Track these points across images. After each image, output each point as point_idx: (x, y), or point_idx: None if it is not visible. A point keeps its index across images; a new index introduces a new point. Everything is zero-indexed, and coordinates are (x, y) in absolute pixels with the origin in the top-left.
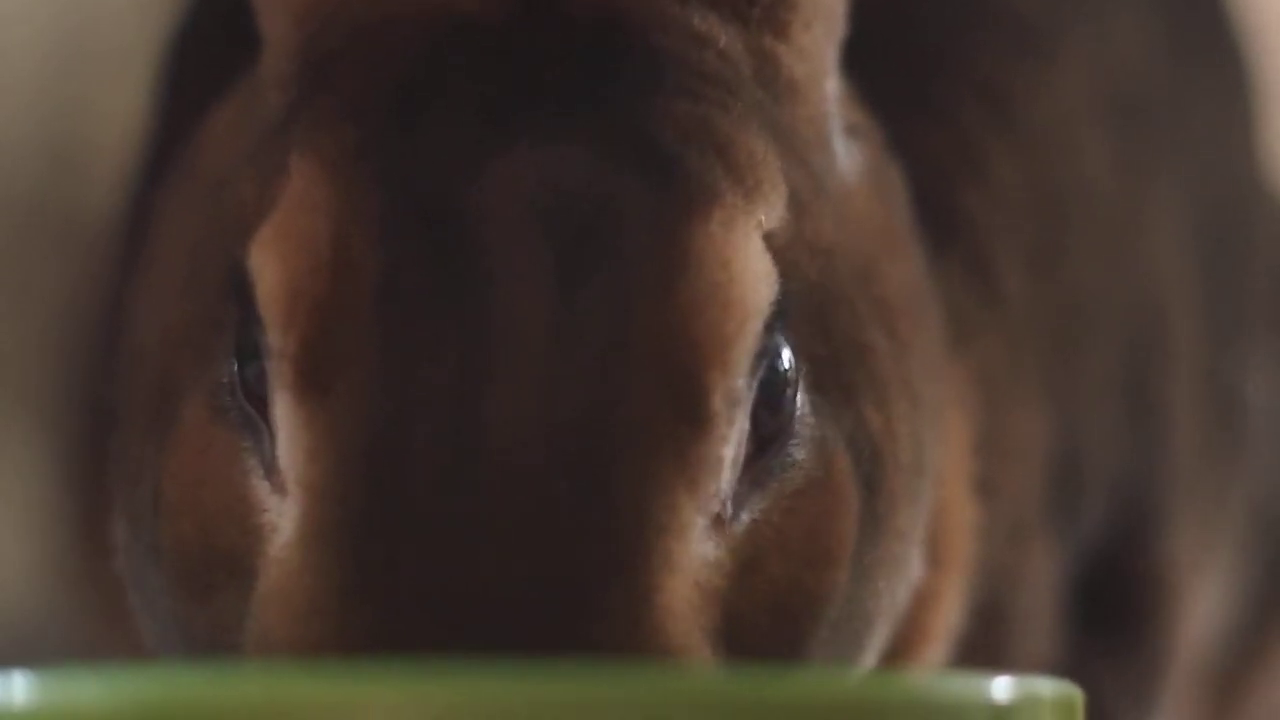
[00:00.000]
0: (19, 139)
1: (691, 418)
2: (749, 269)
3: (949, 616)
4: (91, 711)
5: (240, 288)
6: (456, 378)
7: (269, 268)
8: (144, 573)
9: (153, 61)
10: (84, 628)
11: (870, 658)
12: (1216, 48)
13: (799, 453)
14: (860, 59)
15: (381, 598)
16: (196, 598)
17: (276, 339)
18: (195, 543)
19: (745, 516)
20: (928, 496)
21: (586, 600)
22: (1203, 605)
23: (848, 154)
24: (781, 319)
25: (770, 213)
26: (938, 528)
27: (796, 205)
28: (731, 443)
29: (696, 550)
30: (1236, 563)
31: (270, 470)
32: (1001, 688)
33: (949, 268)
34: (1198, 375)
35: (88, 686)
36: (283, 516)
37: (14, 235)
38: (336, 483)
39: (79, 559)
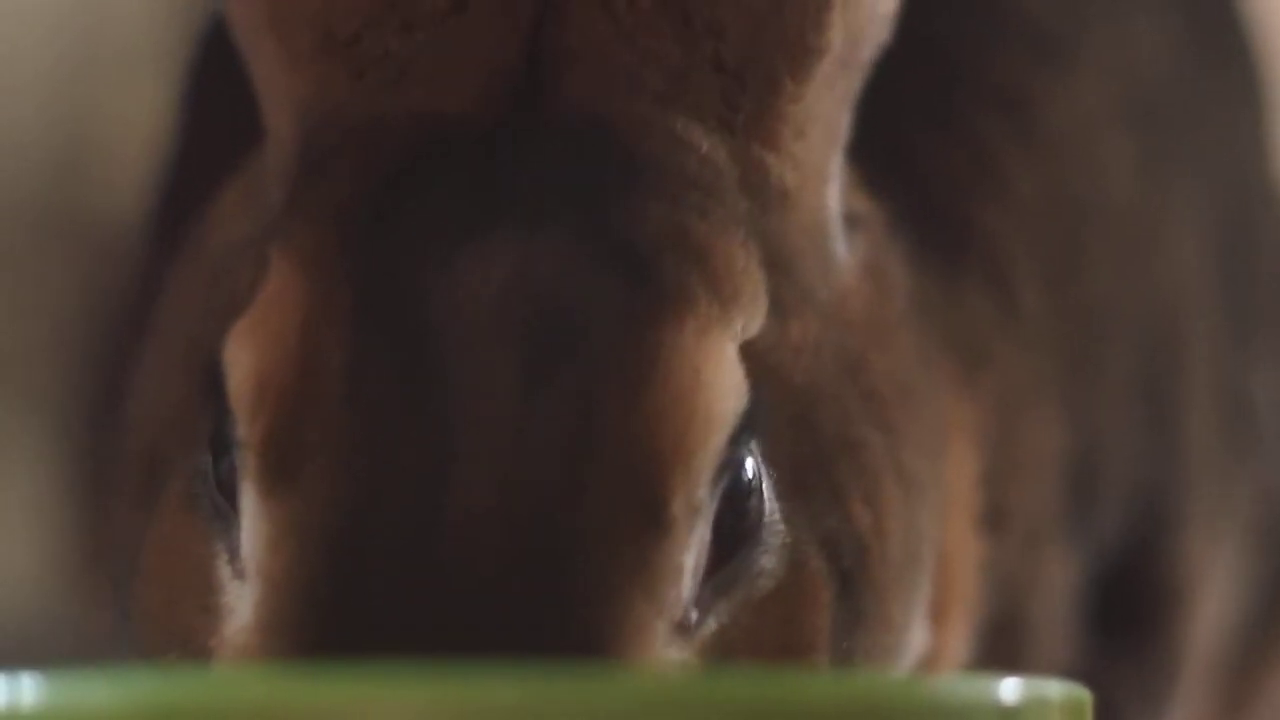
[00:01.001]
0: (28, 143)
1: (651, 524)
2: (718, 379)
3: (955, 663)
4: (99, 713)
5: (216, 380)
6: (417, 474)
7: (240, 360)
8: (118, 630)
9: (162, 65)
10: (91, 629)
11: None
12: (1230, 52)
13: (766, 560)
14: (877, 72)
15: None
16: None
17: (243, 430)
18: (160, 616)
19: (711, 623)
20: (927, 582)
21: None
22: (1213, 605)
23: (846, 248)
24: (748, 431)
25: (748, 322)
26: (941, 580)
27: (781, 311)
28: (692, 550)
29: (656, 654)
30: (1246, 563)
31: (234, 556)
32: (1009, 689)
33: (966, 285)
34: (1211, 378)
35: (95, 688)
36: (241, 601)
37: (23, 239)
38: (295, 574)
39: (85, 562)
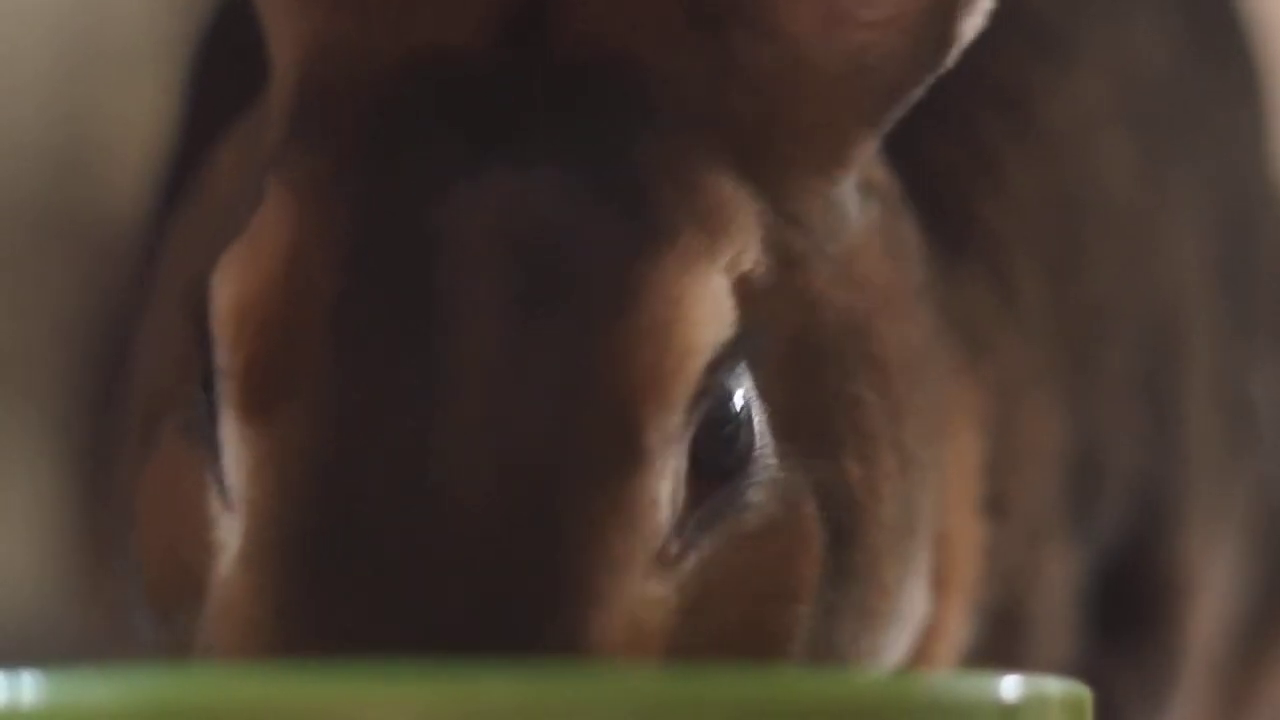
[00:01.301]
0: (28, 142)
1: (626, 455)
2: (699, 309)
3: (955, 641)
4: (100, 712)
5: (203, 307)
6: (404, 405)
7: (226, 286)
8: (132, 595)
9: (162, 64)
10: (92, 628)
11: None
12: (1230, 52)
13: (756, 495)
14: None
15: (317, 620)
16: (162, 616)
17: (225, 357)
18: (160, 559)
19: (694, 556)
20: (925, 555)
21: (519, 634)
22: (1213, 604)
23: (860, 211)
24: (733, 360)
25: (741, 255)
26: (942, 557)
27: (784, 256)
28: (668, 480)
29: (635, 588)
30: (1244, 562)
31: (222, 488)
32: (1009, 687)
33: (967, 276)
34: (1211, 377)
35: (96, 687)
36: (230, 534)
37: (23, 238)
38: (276, 503)
39: (87, 559)
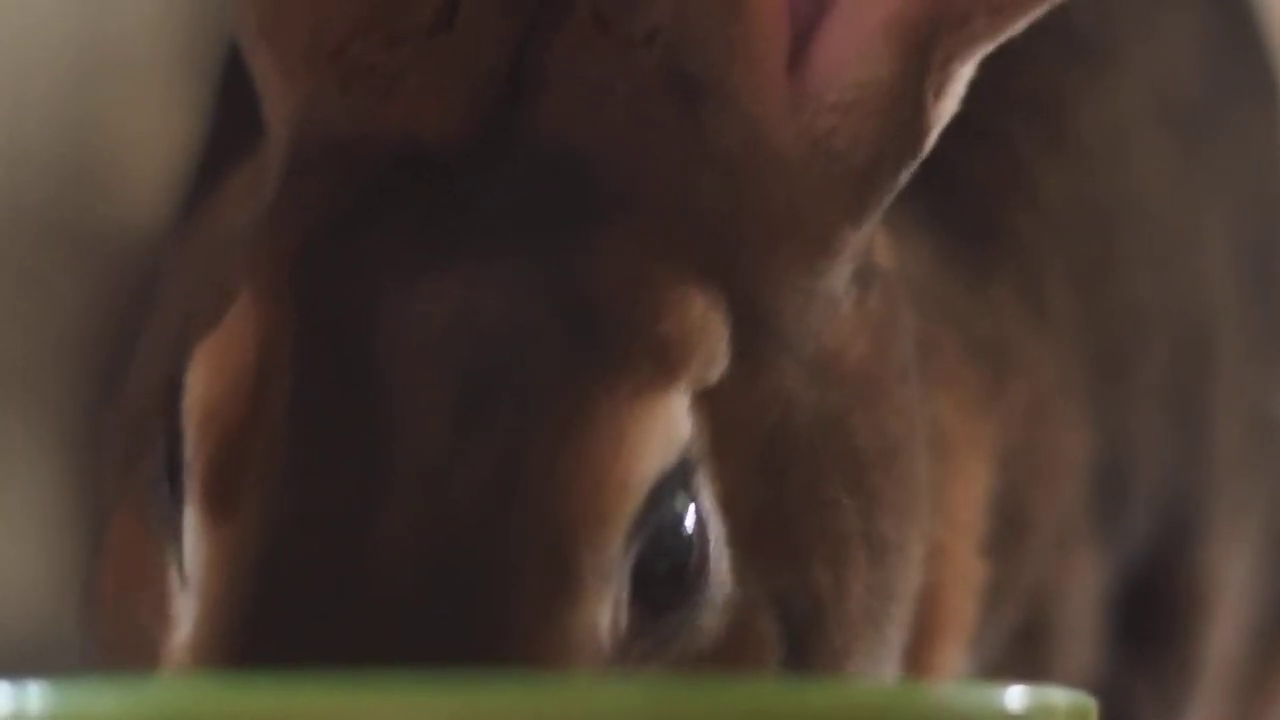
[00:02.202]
0: (37, 153)
1: (559, 582)
2: (644, 437)
3: (949, 678)
4: None
5: (173, 399)
6: (346, 507)
7: (195, 384)
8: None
9: (172, 77)
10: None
11: None
12: (1253, 57)
13: (706, 617)
14: None
15: None
16: (106, 662)
17: (190, 453)
18: (115, 609)
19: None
20: (895, 635)
21: None
22: (1232, 617)
23: (857, 309)
24: (687, 481)
25: (705, 370)
26: (929, 609)
27: (751, 361)
28: (606, 608)
29: None
30: (1263, 573)
31: (181, 570)
32: (1014, 697)
33: (996, 289)
34: (1236, 388)
35: (102, 697)
36: (185, 615)
37: (31, 249)
38: (228, 598)
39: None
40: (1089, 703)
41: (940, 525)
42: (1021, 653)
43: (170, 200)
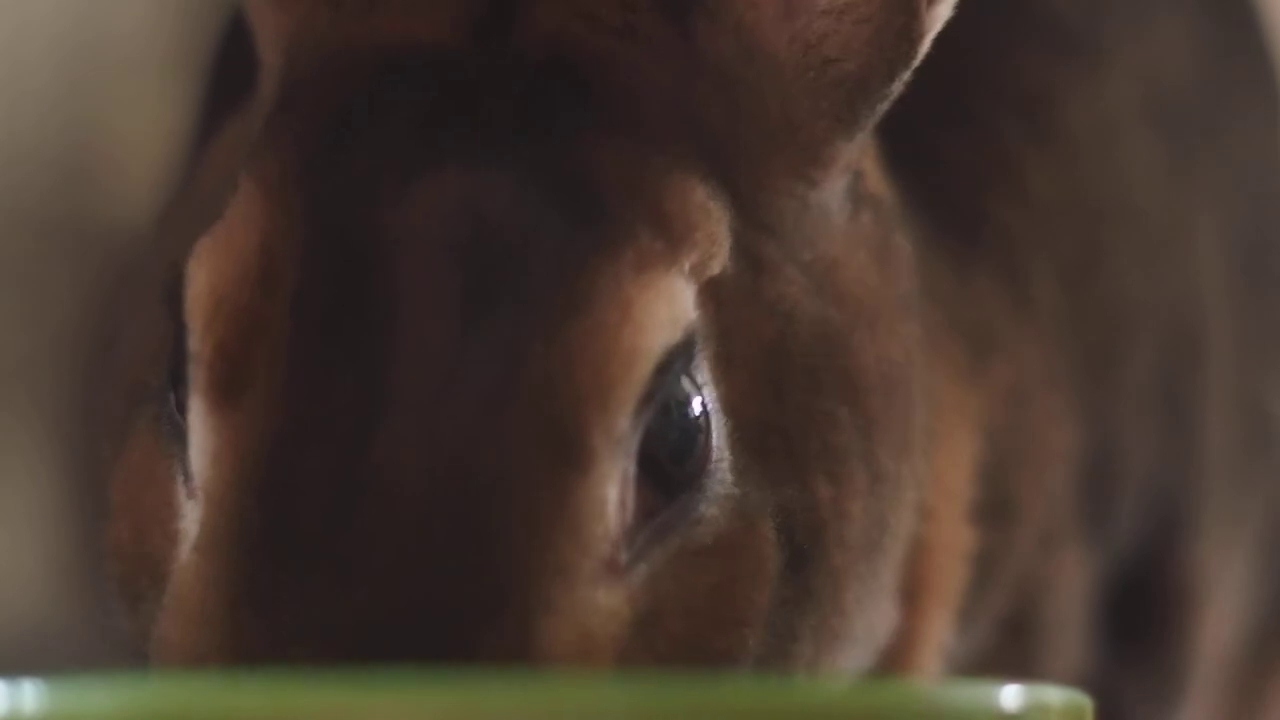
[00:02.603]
0: (32, 152)
1: (569, 457)
2: (649, 311)
3: (936, 647)
4: None
5: (176, 295)
6: (353, 399)
7: (199, 275)
8: (106, 585)
9: (166, 76)
10: (92, 637)
11: None
12: (1250, 56)
13: (710, 509)
14: None
15: (265, 612)
16: (128, 605)
17: (195, 343)
18: (128, 547)
19: (644, 567)
20: (891, 571)
21: (462, 638)
22: (1223, 614)
23: (847, 220)
24: (692, 364)
25: (707, 260)
26: (919, 566)
27: (756, 263)
28: (614, 484)
29: (581, 594)
30: (1253, 574)
31: (187, 476)
32: (1010, 696)
33: (978, 275)
34: (1229, 385)
35: (96, 696)
36: (193, 522)
37: (25, 248)
38: (233, 491)
39: (87, 567)
40: (1084, 701)
41: (929, 488)
42: (1010, 647)
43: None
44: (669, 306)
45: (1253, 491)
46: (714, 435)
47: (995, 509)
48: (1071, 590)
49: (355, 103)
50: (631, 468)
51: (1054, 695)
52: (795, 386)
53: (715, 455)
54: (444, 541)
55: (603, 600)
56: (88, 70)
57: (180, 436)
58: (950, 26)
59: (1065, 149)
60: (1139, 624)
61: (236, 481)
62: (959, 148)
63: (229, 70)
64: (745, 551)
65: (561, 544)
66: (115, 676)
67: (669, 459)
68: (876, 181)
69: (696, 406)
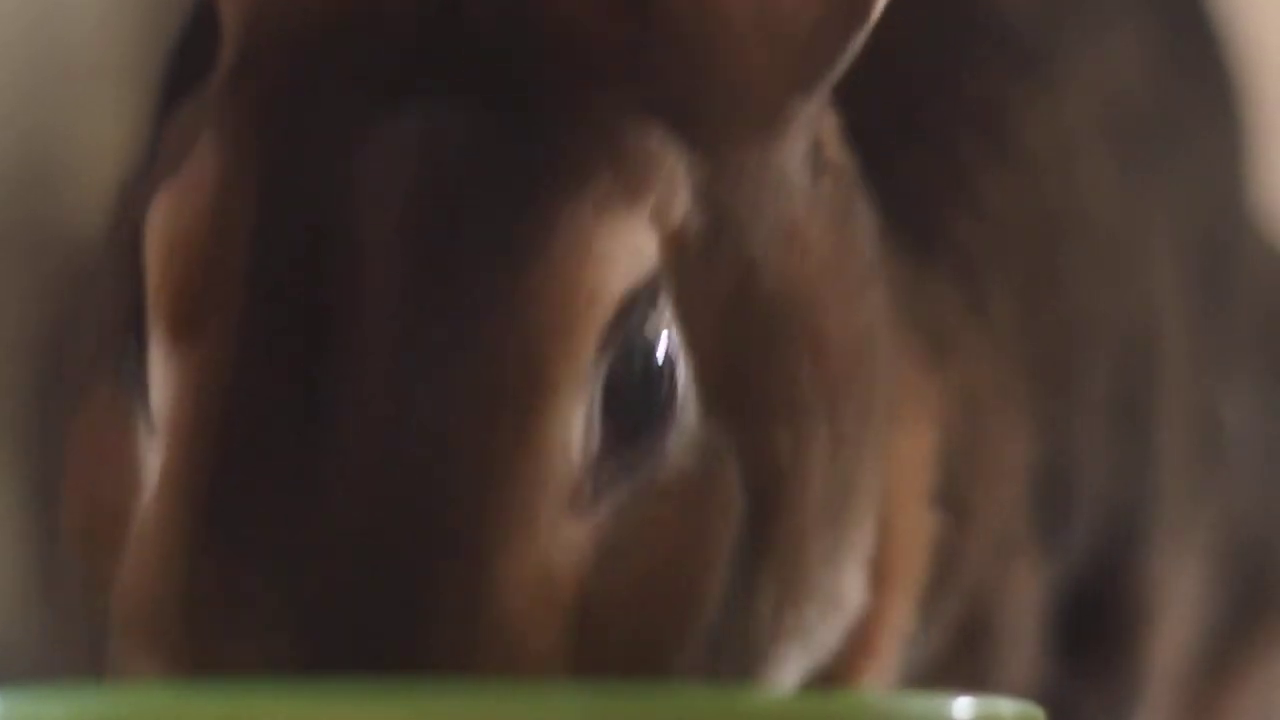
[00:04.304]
0: None
1: (532, 387)
2: (610, 249)
3: (897, 632)
4: None
5: (136, 248)
6: (311, 335)
7: (156, 222)
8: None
9: (124, 83)
10: (50, 648)
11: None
12: (1210, 74)
13: (674, 451)
14: (849, 84)
15: (223, 550)
16: (87, 562)
17: (154, 282)
18: (86, 501)
19: (607, 505)
20: (859, 542)
21: (424, 571)
22: (1176, 628)
23: (812, 189)
24: (655, 307)
25: (668, 205)
26: (884, 548)
27: (719, 212)
28: (578, 420)
29: (546, 526)
30: (1206, 589)
31: (149, 420)
32: (962, 708)
33: (934, 280)
34: (1183, 400)
35: (54, 707)
36: (153, 466)
37: None
38: (192, 424)
39: (46, 580)
40: (1037, 713)
41: (892, 470)
42: (962, 656)
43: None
44: (630, 246)
45: (1205, 502)
46: (678, 380)
47: (951, 504)
48: (1024, 600)
49: (312, 56)
50: (597, 406)
51: (1006, 707)
52: (757, 339)
53: (680, 399)
54: (405, 476)
55: (565, 535)
56: (43, 78)
57: (142, 383)
58: (906, 41)
59: (1021, 165)
60: (1093, 636)
61: (196, 414)
62: (914, 162)
63: (186, 82)
64: (709, 493)
65: (524, 477)
66: (73, 688)
67: (633, 400)
68: (837, 150)
69: (661, 350)
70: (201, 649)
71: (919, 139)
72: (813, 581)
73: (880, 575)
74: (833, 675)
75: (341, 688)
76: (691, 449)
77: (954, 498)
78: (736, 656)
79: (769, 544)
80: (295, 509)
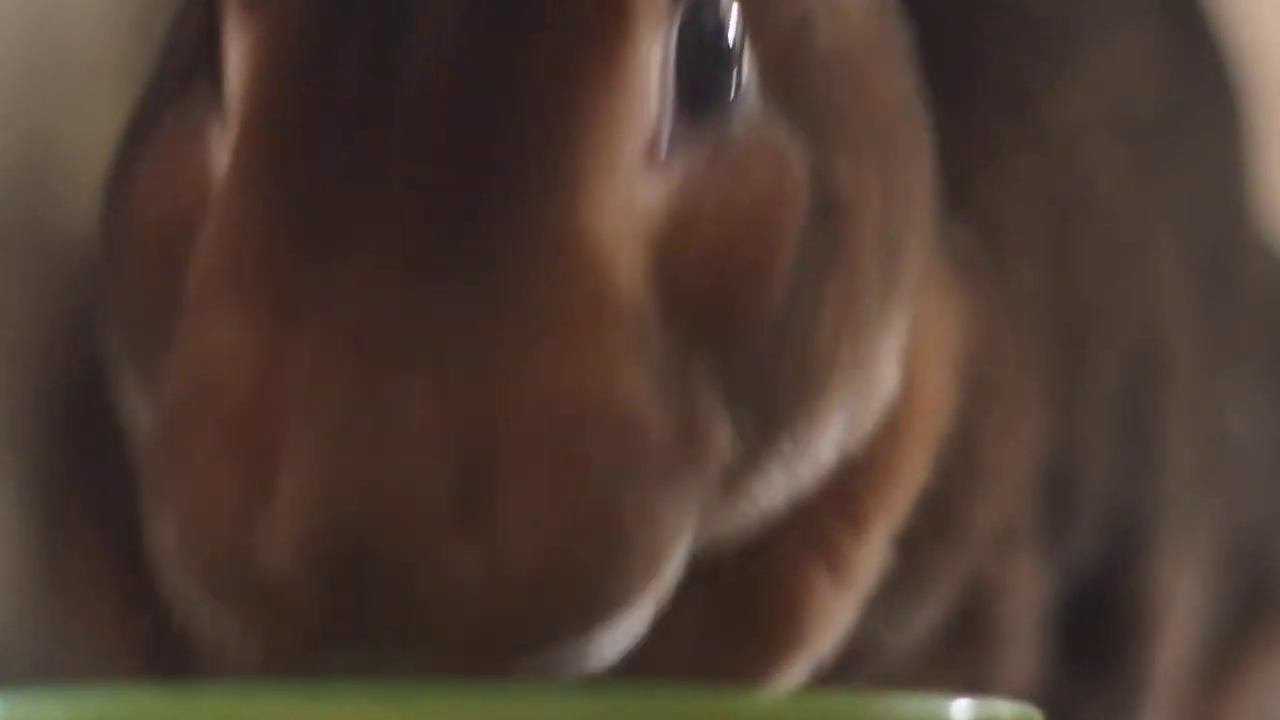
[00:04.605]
0: None
1: (614, 17)
2: None
3: (915, 468)
4: None
5: None
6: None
7: None
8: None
9: (120, 85)
10: (46, 649)
11: (824, 447)
12: (1215, 81)
13: (745, 135)
14: None
15: (303, 194)
16: (161, 284)
17: None
18: (158, 217)
19: (682, 168)
20: (898, 329)
21: (506, 218)
22: (1178, 634)
23: None
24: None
25: None
26: (906, 400)
27: None
28: (655, 58)
29: (625, 175)
30: (1210, 588)
31: (223, 118)
32: (959, 709)
33: (962, 231)
34: (1188, 403)
35: (54, 707)
36: (226, 156)
37: None
38: (265, 85)
39: (41, 581)
40: (1035, 715)
41: (918, 327)
42: (960, 655)
43: None
44: None
45: (1208, 507)
46: (745, 66)
47: (957, 452)
48: (1026, 599)
49: None
50: (671, 61)
51: (1005, 709)
52: (814, 84)
53: (746, 85)
54: (483, 120)
55: (642, 191)
56: (43, 78)
57: (215, 74)
58: (923, 18)
59: (1042, 141)
60: (1096, 640)
61: (270, 75)
62: (940, 123)
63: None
64: (779, 176)
65: (606, 111)
66: (70, 689)
67: (704, 71)
68: None
69: (731, 31)
70: (284, 286)
71: (947, 107)
72: (865, 326)
73: (902, 425)
74: (847, 496)
75: (342, 688)
76: (762, 141)
77: (961, 444)
78: (795, 367)
79: (832, 266)
80: (368, 160)
